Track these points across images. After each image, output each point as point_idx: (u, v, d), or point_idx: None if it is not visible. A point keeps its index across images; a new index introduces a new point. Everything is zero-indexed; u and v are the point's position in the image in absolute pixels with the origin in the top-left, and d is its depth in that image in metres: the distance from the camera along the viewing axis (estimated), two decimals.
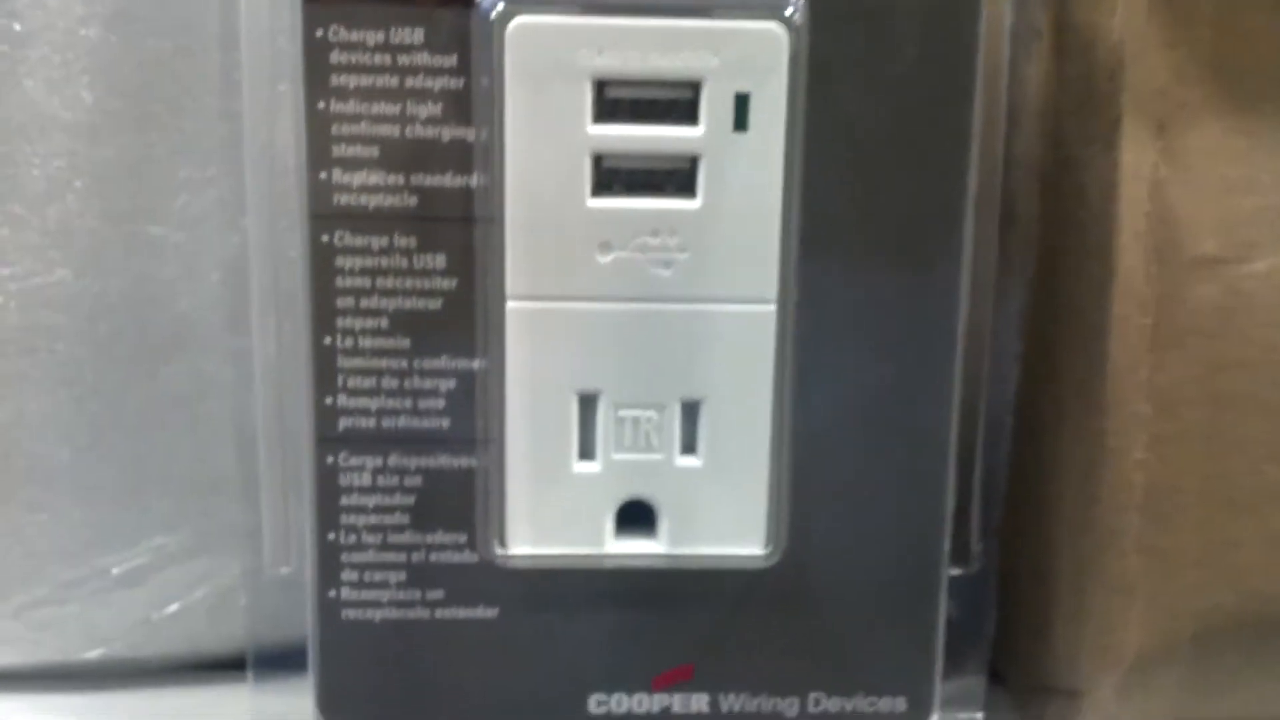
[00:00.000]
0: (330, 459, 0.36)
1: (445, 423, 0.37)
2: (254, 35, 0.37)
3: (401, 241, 0.36)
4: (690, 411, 0.37)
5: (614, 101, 0.36)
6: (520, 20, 0.35)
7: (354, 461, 0.37)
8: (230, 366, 0.39)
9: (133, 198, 0.40)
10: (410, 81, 0.35)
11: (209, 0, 0.39)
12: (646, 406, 0.37)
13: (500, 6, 0.35)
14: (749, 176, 0.36)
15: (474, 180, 0.36)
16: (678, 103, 0.36)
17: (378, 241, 0.36)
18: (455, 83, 0.35)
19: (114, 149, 0.40)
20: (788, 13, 0.35)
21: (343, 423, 0.36)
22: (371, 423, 0.36)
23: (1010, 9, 0.37)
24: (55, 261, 0.40)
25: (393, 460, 0.37)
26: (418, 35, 0.35)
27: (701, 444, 0.37)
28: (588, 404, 0.37)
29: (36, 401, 0.40)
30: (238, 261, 0.39)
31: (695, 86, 0.36)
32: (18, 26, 0.39)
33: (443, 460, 0.37)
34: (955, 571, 0.38)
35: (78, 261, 0.39)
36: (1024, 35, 0.39)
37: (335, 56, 0.35)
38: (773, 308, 0.36)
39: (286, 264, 0.37)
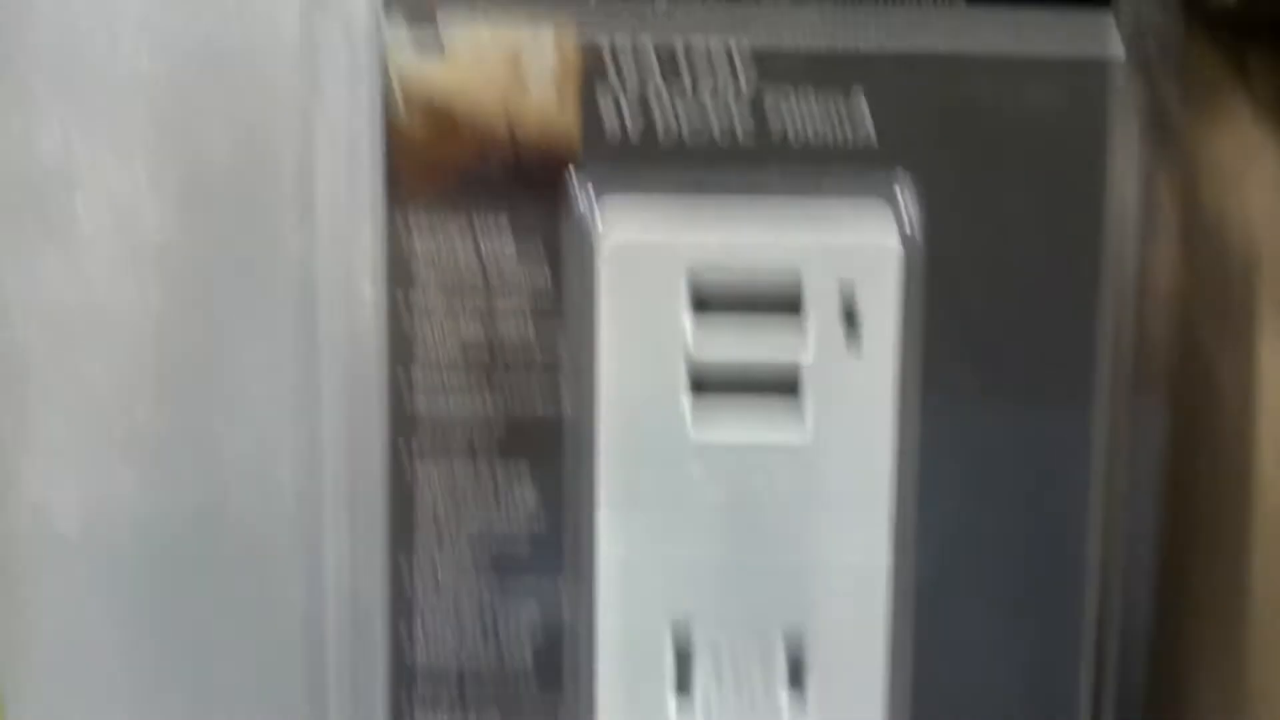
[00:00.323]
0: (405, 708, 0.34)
1: (529, 661, 0.34)
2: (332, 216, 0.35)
3: (485, 467, 0.33)
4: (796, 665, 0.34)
5: (713, 313, 0.33)
6: (618, 239, 0.33)
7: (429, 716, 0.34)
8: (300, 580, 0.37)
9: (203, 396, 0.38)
10: (493, 272, 0.33)
11: (283, 167, 0.37)
12: (746, 643, 0.34)
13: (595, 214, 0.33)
14: (859, 398, 0.33)
15: (564, 402, 0.33)
16: (780, 316, 0.33)
17: (462, 466, 0.33)
18: (543, 276, 0.33)
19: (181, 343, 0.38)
20: (903, 230, 0.33)
21: (420, 657, 0.34)
22: (451, 662, 0.34)
23: (1136, 191, 0.35)
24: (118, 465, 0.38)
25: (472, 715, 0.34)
26: (503, 222, 0.33)
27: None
28: (682, 635, 0.34)
29: (98, 614, 0.37)
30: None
31: (796, 305, 0.33)
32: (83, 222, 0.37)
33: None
34: None
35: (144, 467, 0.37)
36: (1151, 219, 0.36)
37: (418, 243, 0.33)
38: (885, 556, 0.33)
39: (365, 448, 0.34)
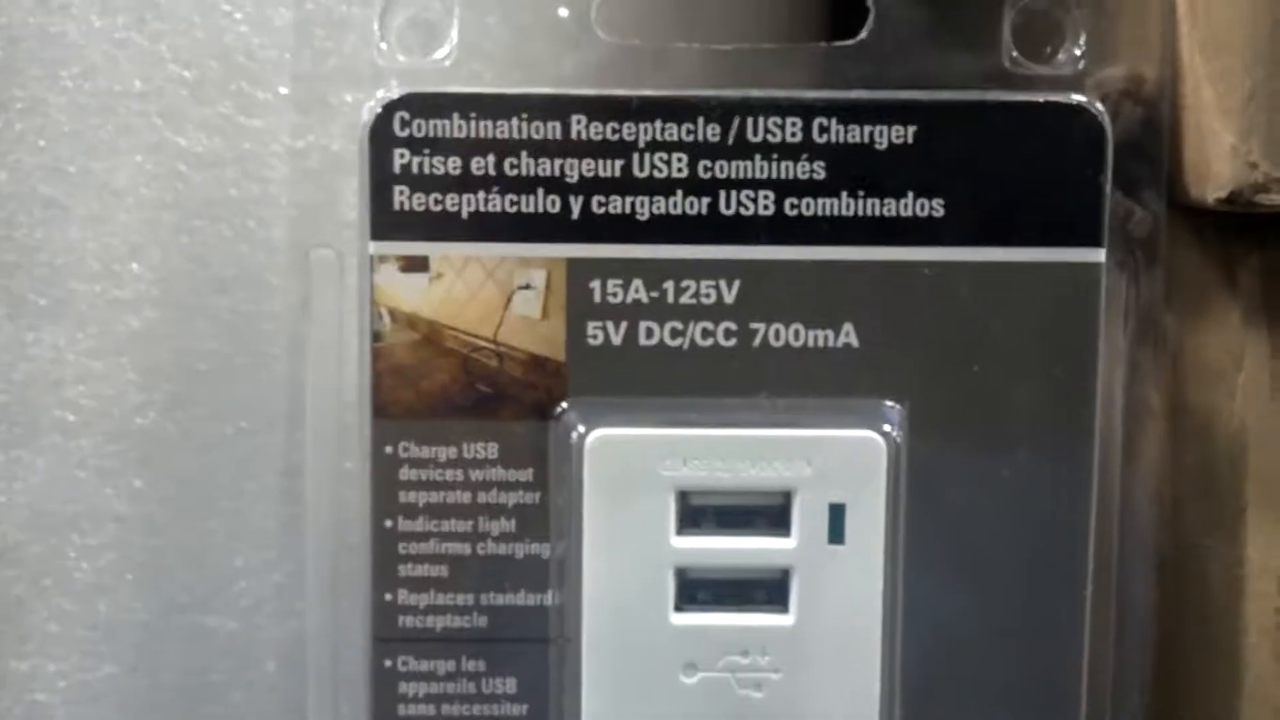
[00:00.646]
0: None
1: None
2: (319, 413, 0.35)
3: (469, 665, 0.33)
4: None
5: (699, 511, 0.33)
6: (601, 433, 0.33)
7: None
8: None
9: (188, 588, 0.38)
10: (483, 497, 0.33)
11: (275, 378, 0.37)
12: None
13: (582, 419, 0.33)
14: (846, 591, 0.33)
15: (549, 598, 0.33)
16: (768, 512, 0.33)
17: (444, 666, 0.33)
18: (530, 497, 0.33)
19: (168, 538, 0.37)
20: (886, 428, 0.33)
21: None
22: None
23: (1121, 388, 0.35)
24: (104, 657, 0.37)
25: None
26: (491, 450, 0.33)
27: None
28: None
29: None
30: (294, 649, 0.37)
31: (787, 496, 0.33)
32: (71, 417, 0.37)
33: None
34: None
35: (127, 656, 0.37)
36: (1138, 415, 0.36)
37: (404, 473, 0.33)
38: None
39: (348, 648, 0.34)
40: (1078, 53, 0.34)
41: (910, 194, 0.33)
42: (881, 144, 0.33)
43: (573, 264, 0.33)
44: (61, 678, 0.38)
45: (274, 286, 0.37)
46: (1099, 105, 0.33)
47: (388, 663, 0.33)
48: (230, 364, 0.37)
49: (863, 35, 0.34)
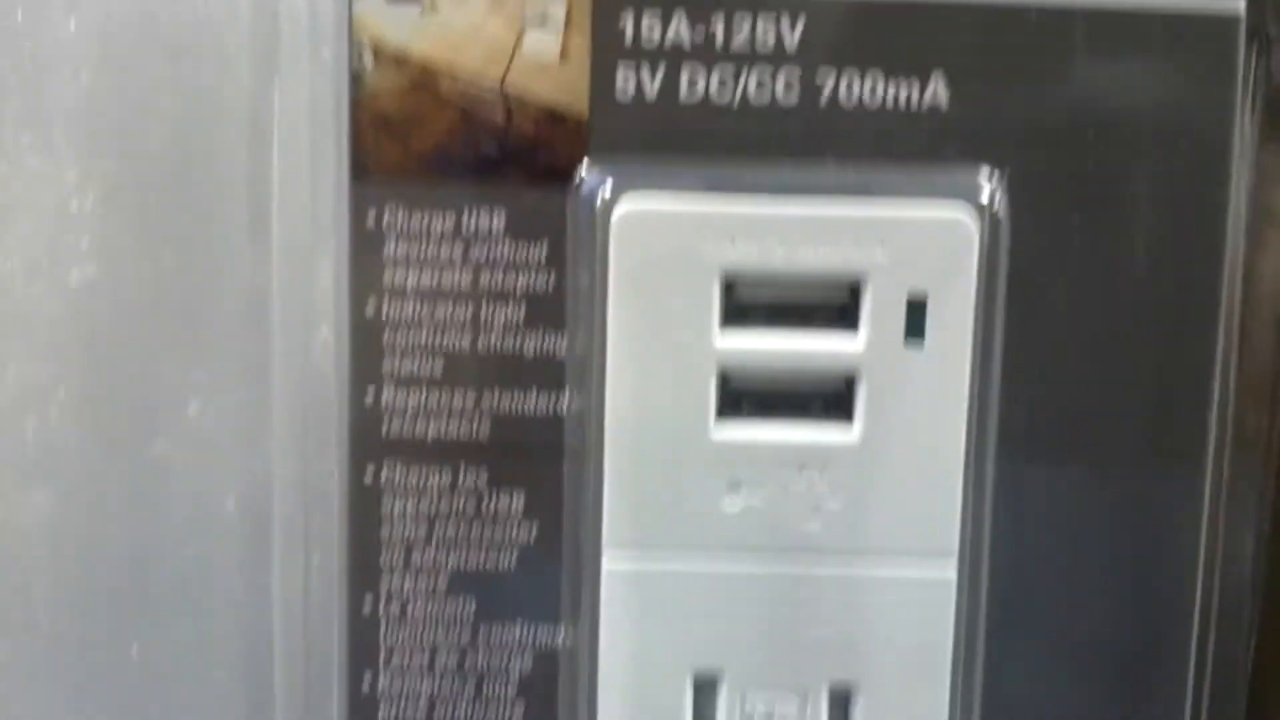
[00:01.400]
0: None
1: (518, 714, 0.28)
2: (292, 197, 0.29)
3: (468, 478, 0.28)
4: (840, 702, 0.28)
5: (748, 302, 0.27)
6: (631, 203, 0.27)
7: None
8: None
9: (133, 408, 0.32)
10: (486, 279, 0.27)
11: (236, 150, 0.31)
12: (784, 693, 0.28)
13: (607, 185, 0.27)
14: (924, 402, 0.27)
15: (565, 403, 0.27)
16: (832, 304, 0.27)
17: (438, 479, 0.28)
18: (543, 280, 0.27)
19: (111, 345, 0.32)
20: (979, 204, 0.27)
21: (384, 713, 0.28)
22: (421, 716, 0.28)
23: (1242, 191, 0.29)
24: (34, 482, 0.32)
25: None
26: (497, 221, 0.27)
27: None
28: (705, 691, 0.28)
29: (16, 663, 0.32)
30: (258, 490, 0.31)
31: (854, 288, 0.27)
32: None
33: None
34: None
35: (62, 485, 0.31)
36: (1257, 221, 0.30)
37: (391, 248, 0.27)
38: (953, 571, 0.28)
39: (319, 499, 0.29)
40: None
41: None
42: None
43: None
44: None
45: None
46: None
47: (369, 476, 0.27)
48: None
49: None
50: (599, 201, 0.27)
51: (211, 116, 0.29)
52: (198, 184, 0.30)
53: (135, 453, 0.31)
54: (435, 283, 0.27)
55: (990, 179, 0.27)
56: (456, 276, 0.27)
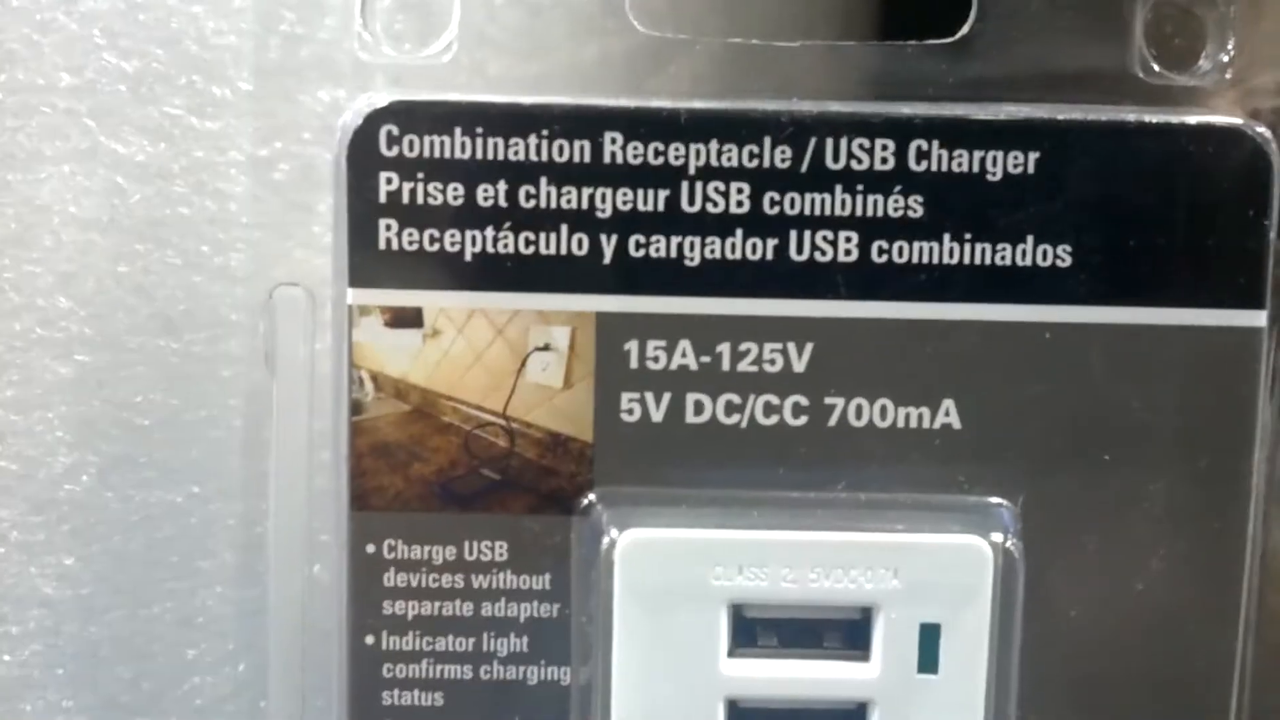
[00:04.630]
0: None
1: None
2: (285, 478, 0.29)
3: None
4: None
5: (756, 628, 0.27)
6: (637, 533, 0.26)
7: None
8: None
9: (131, 686, 0.31)
10: (489, 609, 0.27)
11: (229, 444, 0.30)
12: None
13: (612, 512, 0.26)
14: None
15: None
16: (843, 632, 0.27)
17: None
18: (548, 610, 0.27)
19: (107, 626, 0.31)
20: (993, 533, 0.26)
21: None
22: None
23: (1262, 482, 0.28)
24: None
25: None
26: (500, 551, 0.27)
27: None
28: None
29: None
30: None
31: (867, 612, 0.27)
32: None
33: None
34: None
35: None
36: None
37: (390, 578, 0.26)
38: None
39: None
40: (1225, 59, 0.28)
41: (1029, 238, 0.26)
42: (994, 174, 0.26)
43: (604, 319, 0.26)
44: None
45: (232, 324, 0.30)
46: (1262, 129, 0.26)
47: None
48: (178, 419, 0.31)
49: (964, 31, 0.27)
50: (604, 529, 0.26)
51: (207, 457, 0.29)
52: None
53: None
54: (436, 613, 0.27)
55: (1004, 504, 0.27)
56: (458, 607, 0.27)
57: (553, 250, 0.26)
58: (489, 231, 0.26)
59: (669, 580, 0.26)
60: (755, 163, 0.26)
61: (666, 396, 0.26)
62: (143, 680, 0.32)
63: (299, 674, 0.29)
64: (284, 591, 0.29)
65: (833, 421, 0.27)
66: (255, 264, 0.30)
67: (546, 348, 0.26)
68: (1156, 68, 0.28)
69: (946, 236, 0.26)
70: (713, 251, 0.26)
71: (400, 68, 0.28)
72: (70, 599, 0.31)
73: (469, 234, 0.26)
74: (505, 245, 0.26)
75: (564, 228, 0.26)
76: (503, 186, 0.26)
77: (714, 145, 0.26)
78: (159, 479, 0.31)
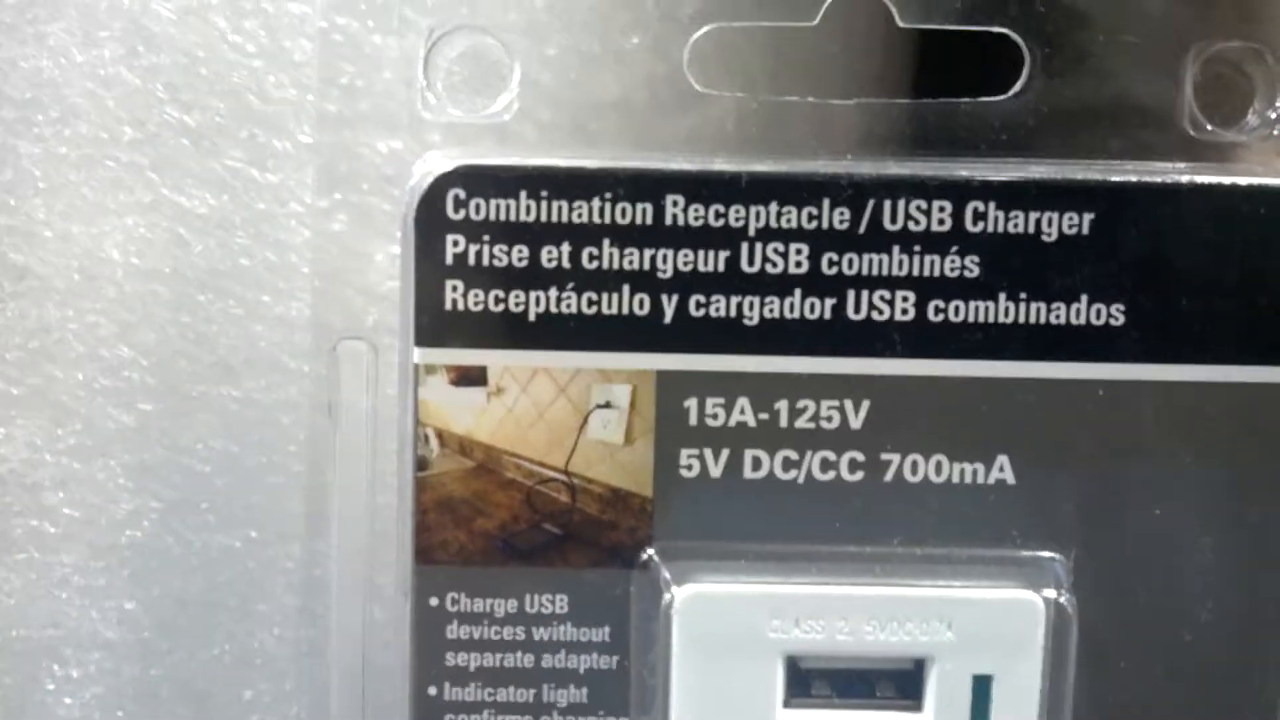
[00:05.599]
0: None
1: None
2: (348, 522, 0.29)
3: None
4: None
5: (811, 678, 0.27)
6: (696, 587, 0.27)
7: None
8: None
9: None
10: (549, 661, 0.27)
11: (287, 488, 0.31)
12: None
13: (671, 567, 0.27)
14: None
15: None
16: (897, 683, 0.27)
17: None
18: (608, 662, 0.27)
19: (166, 668, 0.32)
20: (1046, 587, 0.27)
21: None
22: None
23: None
24: None
25: None
26: (560, 604, 0.27)
27: None
28: None
29: None
30: None
31: (920, 664, 0.27)
32: (50, 528, 0.31)
33: None
34: None
35: None
36: None
37: (454, 630, 0.27)
38: None
39: None
40: (1273, 115, 0.28)
41: (1084, 297, 0.27)
42: (1050, 235, 0.27)
43: (664, 377, 0.27)
44: None
45: (291, 372, 0.31)
46: None
47: None
48: (238, 464, 0.31)
49: (1015, 89, 0.28)
50: (663, 583, 0.27)
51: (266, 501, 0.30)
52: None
53: None
54: (498, 664, 0.27)
55: (1056, 559, 0.27)
56: (519, 659, 0.27)
57: (614, 310, 0.26)
58: (552, 292, 0.26)
59: (726, 633, 0.27)
60: (814, 224, 0.26)
61: (725, 452, 0.27)
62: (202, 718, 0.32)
63: (359, 715, 0.30)
64: (345, 634, 0.30)
65: (889, 476, 0.27)
66: (315, 313, 0.30)
67: (608, 405, 0.27)
68: (1205, 124, 0.28)
69: (1002, 296, 0.27)
70: (771, 311, 0.27)
71: (461, 127, 0.28)
72: (131, 642, 0.32)
73: (533, 294, 0.26)
74: (568, 305, 0.26)
75: (626, 288, 0.26)
76: (566, 248, 0.26)
77: (773, 207, 0.26)
78: (219, 524, 0.31)
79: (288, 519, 0.31)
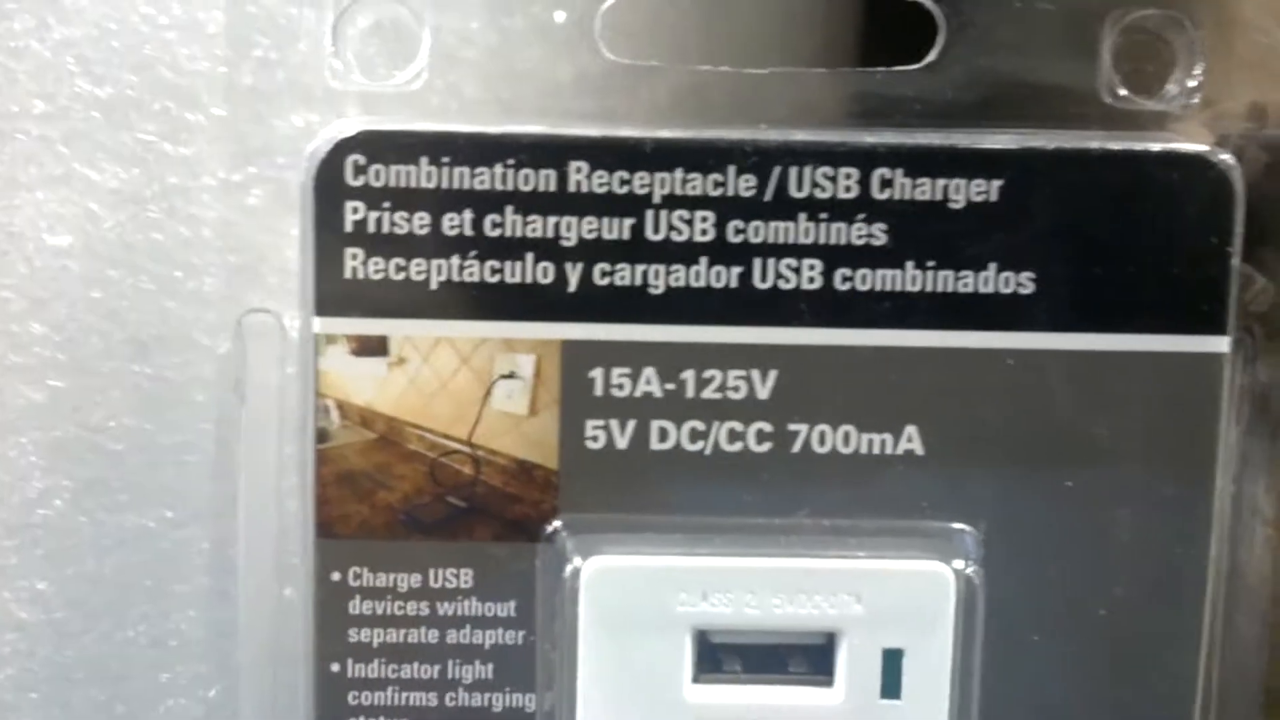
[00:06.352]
0: None
1: None
2: (254, 506, 0.29)
3: None
4: None
5: (721, 653, 0.27)
6: (602, 560, 0.26)
7: None
8: None
9: (104, 708, 0.31)
10: (454, 636, 0.27)
11: (202, 468, 0.30)
12: None
13: (577, 540, 0.26)
14: None
15: None
16: (807, 657, 0.27)
17: None
18: (513, 637, 0.27)
19: (80, 650, 0.31)
20: (955, 559, 0.26)
21: None
22: None
23: (1229, 488, 0.28)
24: None
25: None
26: (465, 578, 0.27)
27: None
28: None
29: None
30: None
31: (830, 638, 0.27)
32: None
33: None
34: None
35: None
36: (1246, 520, 0.30)
37: (356, 606, 0.27)
38: None
39: None
40: (1192, 84, 0.28)
41: (992, 266, 0.26)
42: (958, 202, 0.26)
43: (569, 347, 0.26)
44: None
45: (204, 348, 0.30)
46: (1227, 156, 0.27)
47: None
48: (152, 442, 0.31)
49: (930, 58, 0.27)
50: (569, 556, 0.27)
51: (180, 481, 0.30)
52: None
53: None
54: (401, 640, 0.27)
55: (966, 530, 0.27)
56: (423, 634, 0.27)
57: (518, 279, 0.26)
58: (455, 260, 0.26)
59: (633, 607, 0.26)
60: (720, 191, 0.26)
61: (631, 424, 0.27)
62: (116, 703, 0.32)
63: (270, 698, 0.29)
64: (254, 615, 0.29)
65: (796, 448, 0.27)
66: (229, 289, 0.30)
67: (512, 375, 0.26)
68: (1124, 92, 0.28)
69: (910, 264, 0.26)
70: (677, 280, 0.26)
71: (371, 95, 0.28)
72: (43, 623, 0.31)
73: (435, 263, 0.26)
74: (471, 274, 0.26)
75: (529, 256, 0.26)
76: (469, 215, 0.26)
77: (679, 174, 0.26)
78: (132, 503, 0.31)
79: (202, 498, 0.31)
